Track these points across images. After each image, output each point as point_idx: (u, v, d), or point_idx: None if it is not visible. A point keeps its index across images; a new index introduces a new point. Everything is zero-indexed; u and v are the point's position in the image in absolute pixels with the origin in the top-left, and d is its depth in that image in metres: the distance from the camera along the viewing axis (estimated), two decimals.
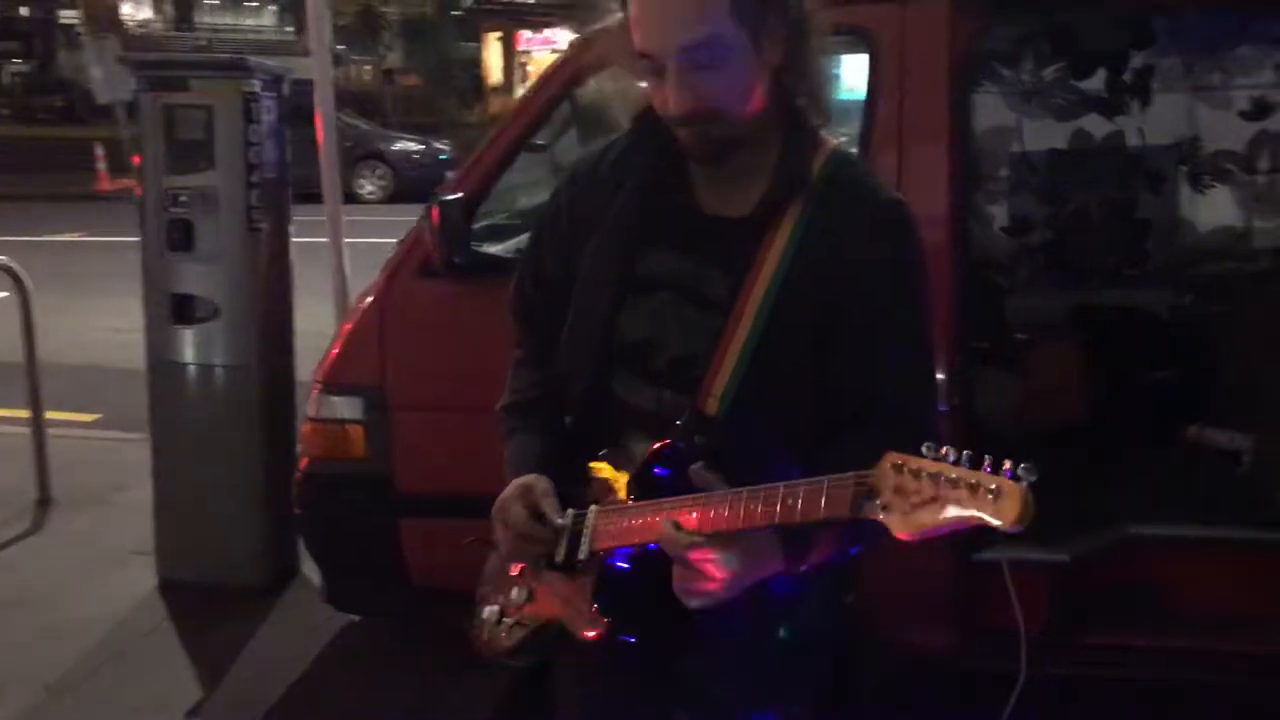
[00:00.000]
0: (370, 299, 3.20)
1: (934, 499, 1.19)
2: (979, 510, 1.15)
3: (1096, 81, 4.08)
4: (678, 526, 1.44)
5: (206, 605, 3.86)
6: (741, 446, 1.50)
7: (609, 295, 1.67)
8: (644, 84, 1.63)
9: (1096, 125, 4.13)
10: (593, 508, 1.62)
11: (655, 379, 1.63)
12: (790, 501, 1.33)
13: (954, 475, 1.17)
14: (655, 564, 1.50)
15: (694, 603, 1.47)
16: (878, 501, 1.23)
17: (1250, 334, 3.61)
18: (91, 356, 7.52)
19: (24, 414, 5.45)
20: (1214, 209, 4.12)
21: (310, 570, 4.10)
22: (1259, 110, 4.02)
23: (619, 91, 1.72)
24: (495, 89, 39.73)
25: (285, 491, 4.01)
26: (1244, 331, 3.66)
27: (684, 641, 1.61)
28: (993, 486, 1.14)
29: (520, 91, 37.49)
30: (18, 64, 59.71)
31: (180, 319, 3.86)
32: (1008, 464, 1.15)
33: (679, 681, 1.68)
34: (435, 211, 2.86)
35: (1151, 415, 3.59)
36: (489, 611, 1.78)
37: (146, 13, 70.59)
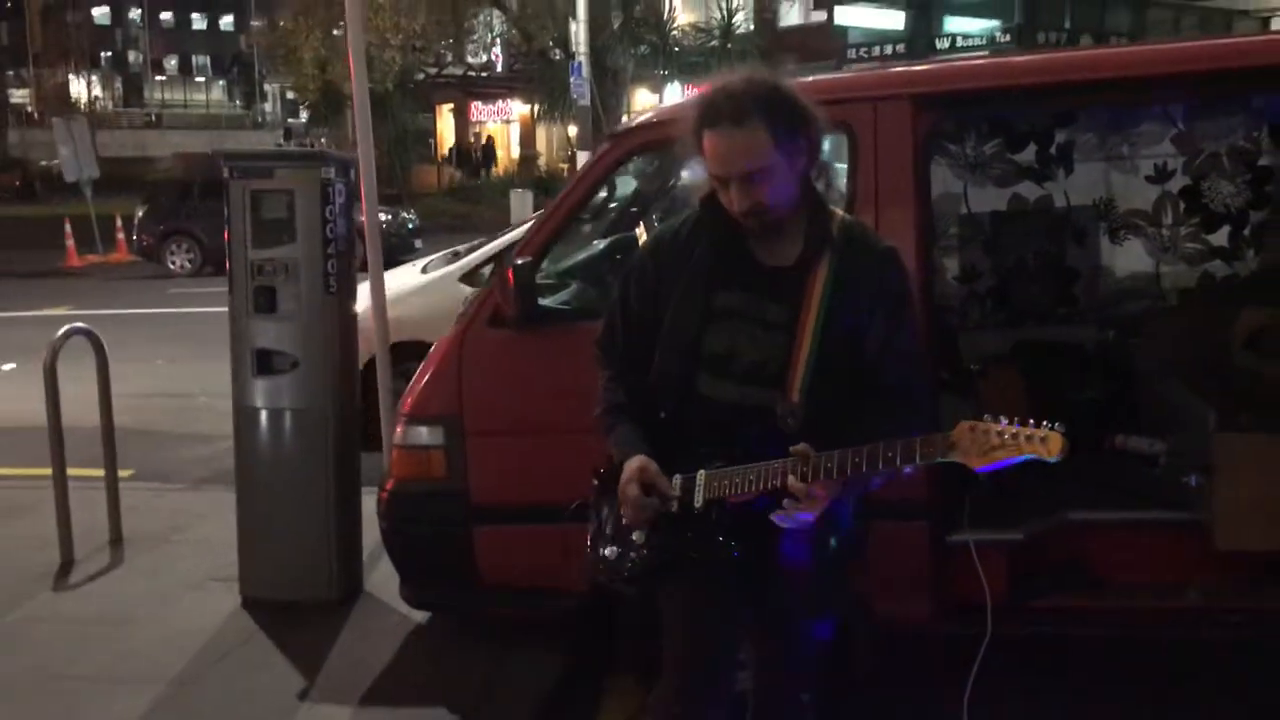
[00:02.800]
0: (448, 345, 3.87)
1: (1000, 446, 1.98)
2: (1034, 450, 1.96)
3: (1028, 154, 4.88)
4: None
5: (289, 618, 4.46)
6: (816, 423, 2.23)
7: (696, 322, 2.41)
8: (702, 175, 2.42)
9: (1029, 190, 4.91)
10: (701, 472, 2.34)
11: (739, 379, 2.36)
12: (890, 454, 2.08)
13: (1014, 430, 1.98)
14: (750, 507, 2.24)
15: (789, 524, 2.21)
16: (955, 452, 2.02)
17: (1161, 360, 4.39)
18: (132, 420, 8.08)
19: (46, 471, 6.12)
20: (1128, 258, 4.91)
21: (373, 587, 4.75)
22: (1160, 176, 4.83)
23: (691, 184, 2.48)
24: (447, 159, 40.66)
25: (354, 517, 4.67)
26: (1156, 358, 4.43)
27: (766, 562, 2.32)
28: (1042, 435, 1.96)
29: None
30: None
31: (262, 371, 4.51)
32: (1045, 423, 1.97)
33: (754, 591, 2.38)
34: (510, 273, 3.56)
35: (1083, 427, 4.33)
36: (611, 551, 2.47)
37: (97, 90, 71.09)
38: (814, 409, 2.29)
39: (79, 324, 5.43)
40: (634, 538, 2.44)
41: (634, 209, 5.33)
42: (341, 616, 4.48)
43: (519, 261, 3.61)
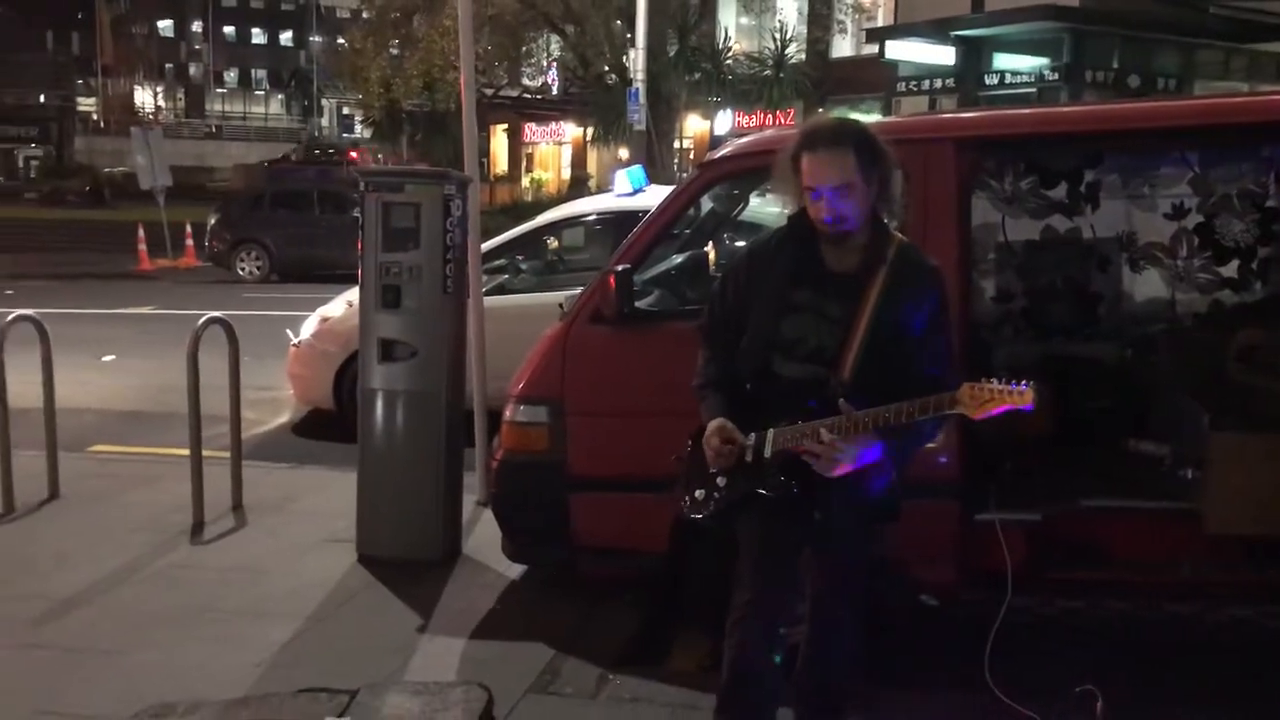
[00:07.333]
0: (554, 338, 4.55)
1: (990, 399, 2.64)
2: (1013, 401, 2.62)
3: (1060, 191, 5.49)
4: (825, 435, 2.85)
5: (400, 573, 5.13)
6: (860, 396, 2.88)
7: (774, 314, 3.06)
8: (792, 198, 3.07)
9: (1060, 223, 5.52)
10: (770, 430, 3.00)
11: (803, 360, 3.02)
12: (911, 409, 2.73)
13: (999, 388, 2.62)
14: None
15: (829, 473, 2.85)
16: (959, 405, 2.65)
17: (1169, 374, 4.99)
18: (213, 407, 8.87)
19: (161, 449, 6.95)
20: (1147, 285, 5.50)
21: (470, 550, 5.43)
22: (1178, 213, 5.43)
23: (782, 204, 3.15)
24: (500, 178, 41.61)
25: (457, 487, 5.35)
26: (1165, 372, 5.03)
27: (817, 500, 2.97)
28: (1020, 390, 2.63)
29: (525, 181, 39.30)
30: (33, 149, 61.74)
31: (386, 358, 5.21)
32: (1023, 381, 2.60)
33: (811, 525, 3.04)
34: (612, 278, 4.23)
35: (1099, 431, 4.95)
36: (699, 493, 3.14)
37: (160, 100, 73.02)
38: (859, 386, 2.94)
39: (217, 314, 6.15)
40: (717, 481, 3.11)
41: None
42: (445, 573, 5.17)
43: (619, 268, 4.29)
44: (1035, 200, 5.53)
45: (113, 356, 11.60)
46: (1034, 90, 23.35)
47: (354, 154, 46.67)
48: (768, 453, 3.01)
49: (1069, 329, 5.53)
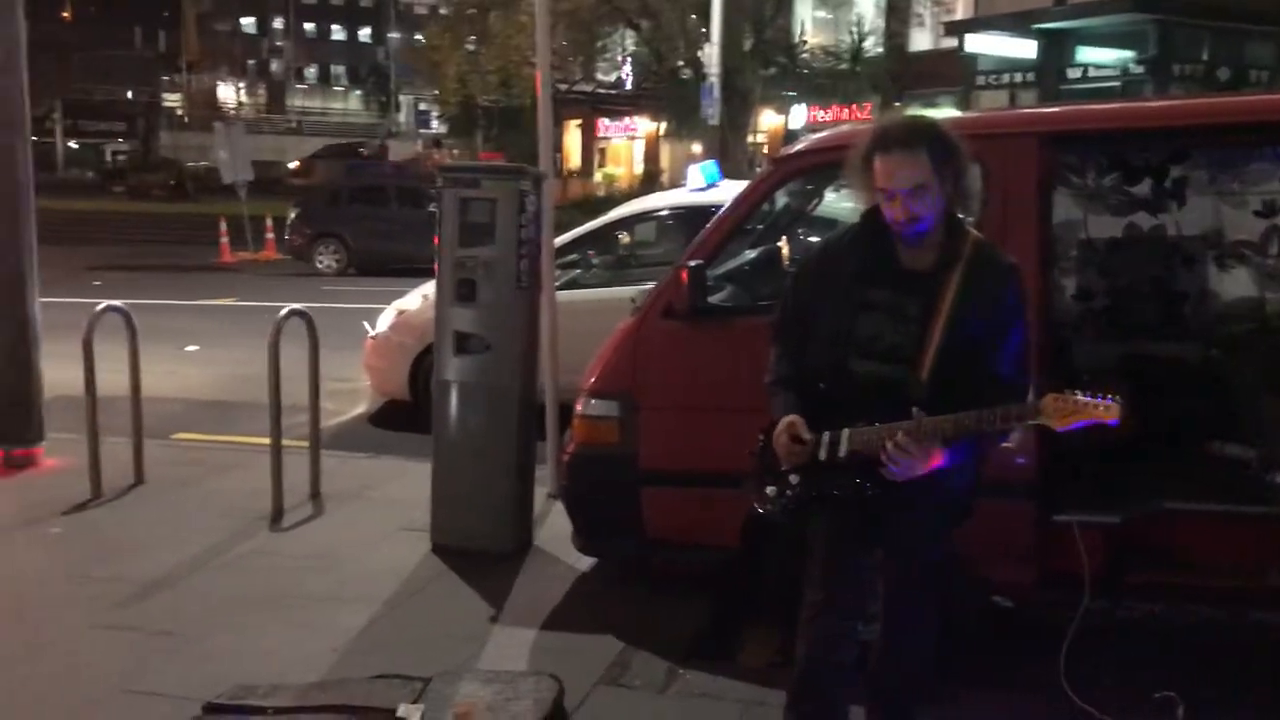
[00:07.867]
0: (626, 332, 4.56)
1: (1075, 411, 2.58)
2: (1100, 415, 2.55)
3: (1144, 188, 5.37)
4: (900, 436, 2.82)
5: (472, 563, 5.19)
6: (936, 398, 2.85)
7: (850, 312, 3.03)
8: (864, 196, 3.03)
9: (1144, 220, 5.39)
10: (846, 430, 2.97)
11: (877, 358, 2.98)
12: (990, 417, 2.69)
13: (1084, 400, 2.55)
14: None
15: (902, 477, 2.83)
16: (1042, 416, 2.60)
17: (1258, 378, 4.85)
18: (292, 397, 9.04)
19: (239, 437, 7.18)
20: (1235, 284, 5.34)
21: (540, 541, 5.47)
22: (1269, 210, 5.27)
23: (856, 200, 3.12)
24: (573, 173, 41.78)
25: (529, 479, 5.40)
26: (1254, 376, 4.89)
27: (891, 501, 2.94)
28: (1106, 405, 2.55)
29: (598, 176, 39.41)
30: (120, 144, 63.44)
31: (461, 350, 5.26)
32: (1109, 396, 2.54)
33: (881, 527, 3.01)
34: (684, 273, 4.23)
35: (1183, 433, 4.83)
36: (771, 490, 3.12)
37: (243, 97, 74.53)
38: (936, 386, 2.90)
39: (298, 306, 6.26)
40: (790, 479, 3.09)
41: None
42: (516, 564, 5.22)
43: (692, 263, 4.29)
44: (1118, 197, 5.40)
45: (196, 347, 11.89)
46: (1118, 84, 22.84)
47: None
48: (842, 452, 2.98)
49: (1153, 328, 5.40)
